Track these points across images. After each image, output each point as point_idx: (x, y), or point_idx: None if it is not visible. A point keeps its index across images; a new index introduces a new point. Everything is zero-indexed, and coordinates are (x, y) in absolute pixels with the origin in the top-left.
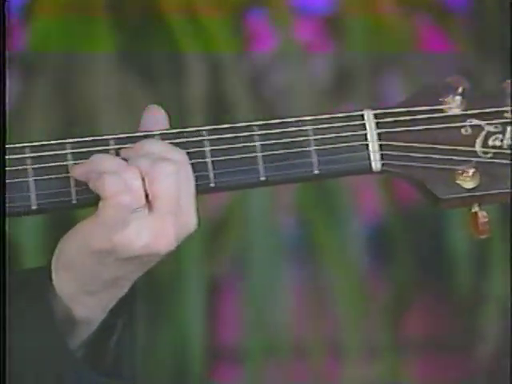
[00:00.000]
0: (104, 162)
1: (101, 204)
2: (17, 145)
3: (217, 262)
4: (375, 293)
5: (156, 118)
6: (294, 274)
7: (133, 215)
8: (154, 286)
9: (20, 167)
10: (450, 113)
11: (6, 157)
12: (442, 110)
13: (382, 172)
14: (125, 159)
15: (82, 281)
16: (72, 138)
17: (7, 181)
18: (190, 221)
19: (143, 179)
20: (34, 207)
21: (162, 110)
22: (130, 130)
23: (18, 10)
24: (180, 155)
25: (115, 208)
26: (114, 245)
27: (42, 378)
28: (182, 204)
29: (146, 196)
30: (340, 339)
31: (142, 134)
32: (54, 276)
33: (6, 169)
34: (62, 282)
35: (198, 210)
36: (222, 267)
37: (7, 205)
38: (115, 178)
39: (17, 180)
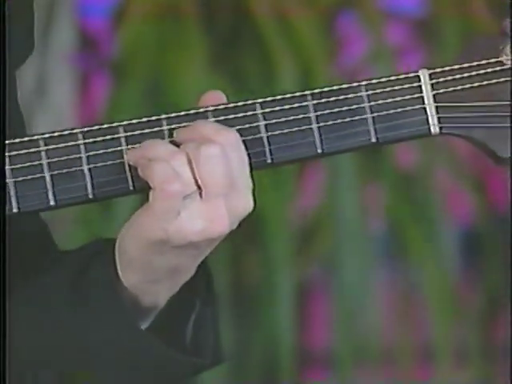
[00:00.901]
0: (152, 149)
1: (151, 193)
2: (67, 131)
3: (307, 264)
4: (466, 296)
5: (216, 102)
6: (384, 278)
7: (184, 202)
8: (244, 289)
9: (74, 156)
10: (510, 64)
11: (62, 145)
12: (500, 63)
13: (441, 134)
14: (176, 142)
15: (144, 272)
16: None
17: (62, 171)
18: (244, 201)
19: (191, 164)
20: (90, 196)
21: (223, 95)
22: None
23: (110, 14)
24: (227, 135)
25: (165, 197)
26: (168, 234)
27: (118, 357)
28: (234, 185)
29: (196, 181)
30: (431, 343)
31: (194, 111)
32: (118, 267)
33: (60, 159)
34: (126, 273)
35: (255, 190)
36: (312, 270)
37: (61, 197)
38: (163, 165)
39: (70, 170)
